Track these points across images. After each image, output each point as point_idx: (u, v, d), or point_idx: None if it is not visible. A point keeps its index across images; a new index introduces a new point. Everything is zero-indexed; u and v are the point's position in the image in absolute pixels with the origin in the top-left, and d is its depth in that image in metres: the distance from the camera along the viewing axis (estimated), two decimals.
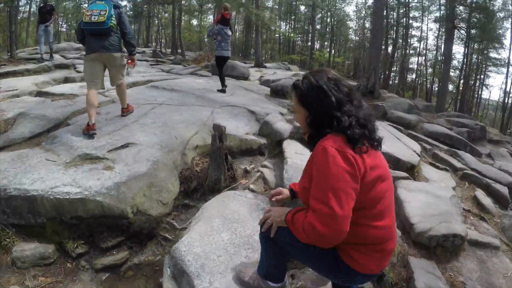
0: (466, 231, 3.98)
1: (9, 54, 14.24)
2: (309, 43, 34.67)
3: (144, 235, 3.81)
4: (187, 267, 2.78)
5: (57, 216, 3.60)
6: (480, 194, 5.57)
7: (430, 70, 35.23)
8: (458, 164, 6.70)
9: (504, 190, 5.84)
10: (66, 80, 10.35)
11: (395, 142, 6.25)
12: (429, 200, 4.48)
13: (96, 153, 4.48)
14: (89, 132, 4.87)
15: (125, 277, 3.43)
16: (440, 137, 8.48)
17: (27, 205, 3.59)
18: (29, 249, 3.43)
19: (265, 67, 20.23)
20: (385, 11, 15.49)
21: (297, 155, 4.99)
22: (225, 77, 9.42)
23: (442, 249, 3.82)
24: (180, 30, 23.98)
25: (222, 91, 9.01)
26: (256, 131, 6.20)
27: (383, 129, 7.04)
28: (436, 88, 31.47)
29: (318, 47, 38.23)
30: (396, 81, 34.39)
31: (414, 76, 36.66)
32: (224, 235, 3.25)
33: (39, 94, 7.92)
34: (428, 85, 34.73)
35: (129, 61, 5.43)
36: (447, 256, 3.81)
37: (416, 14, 32.37)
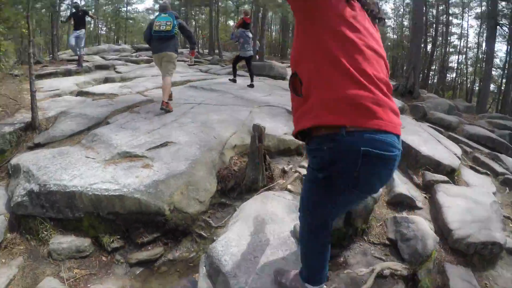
0: (505, 239, 3.79)
1: (51, 56, 15.04)
2: None
3: (179, 232, 3.87)
4: (223, 266, 2.77)
5: (95, 211, 3.74)
6: None
7: (470, 69, 33.92)
8: (499, 169, 6.45)
9: None
10: (106, 80, 10.58)
11: (435, 144, 6.12)
12: (469, 205, 4.31)
13: (135, 151, 4.59)
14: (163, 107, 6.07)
15: (159, 273, 3.48)
16: (482, 140, 8.21)
17: (65, 200, 3.74)
18: (66, 242, 3.58)
19: None
20: (424, 8, 15.08)
21: None
22: (264, 77, 10.61)
23: (479, 256, 3.67)
24: (217, 31, 24.34)
25: (233, 81, 10.01)
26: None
27: (423, 130, 6.93)
28: (477, 88, 30.41)
29: None
30: (435, 80, 33.32)
31: (454, 75, 35.45)
32: (261, 235, 3.22)
33: (80, 93, 8.17)
34: (469, 85, 33.46)
35: (191, 53, 7.19)
36: (483, 264, 3.67)
37: (456, 10, 31.31)
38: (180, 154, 4.56)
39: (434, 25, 29.59)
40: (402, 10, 36.63)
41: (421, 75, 25.76)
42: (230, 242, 3.08)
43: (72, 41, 11.43)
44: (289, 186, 4.59)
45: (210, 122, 5.73)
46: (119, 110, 6.35)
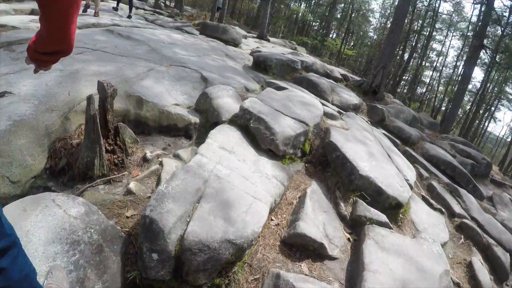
0: None
1: None
2: (325, 30, 32.61)
3: None
4: None
5: None
6: (477, 262, 4.09)
7: (441, 88, 33.46)
8: (456, 208, 5.18)
9: (506, 258, 4.61)
10: (32, 12, 9.10)
11: (383, 161, 4.46)
12: (408, 274, 2.79)
13: None
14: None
15: None
16: (441, 164, 6.93)
17: None
18: None
19: (268, 40, 18.03)
20: (410, 13, 13.64)
21: (218, 152, 3.25)
22: (214, 39, 10.95)
23: None
24: None
25: (115, 9, 11.39)
26: (193, 104, 4.62)
27: (373, 138, 5.27)
28: (444, 108, 29.90)
29: (334, 36, 36.20)
30: (405, 91, 32.56)
31: (424, 90, 34.82)
32: None
33: None
34: (436, 103, 32.94)
35: None
36: None
37: (443, 27, 30.35)
38: (8, 110, 3.39)
39: (416, 35, 28.43)
40: (389, 11, 35.20)
41: (391, 82, 24.72)
42: None
43: None
44: (132, 185, 2.94)
45: (83, 73, 4.45)
46: None
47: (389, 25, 33.83)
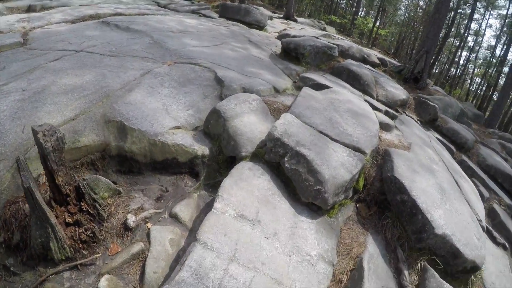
0: None
1: None
2: (354, 8, 30.68)
3: None
4: None
5: None
6: None
7: (476, 70, 31.24)
8: None
9: None
10: (29, 8, 8.24)
11: (456, 197, 3.32)
12: None
13: None
14: None
15: None
16: (499, 176, 5.82)
17: None
18: None
19: (296, 21, 16.67)
20: None
21: (233, 232, 2.11)
22: (235, 22, 9.20)
23: None
24: None
25: None
26: (203, 122, 3.38)
27: (438, 159, 4.09)
28: (482, 92, 27.90)
29: (362, 14, 34.17)
30: (436, 71, 30.57)
31: (457, 71, 32.68)
32: None
33: None
34: (472, 87, 30.87)
35: None
36: None
37: (479, 6, 28.02)
38: None
39: (452, 12, 26.34)
40: None
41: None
42: None
43: None
44: (104, 283, 1.97)
45: (51, 92, 3.32)
46: None
47: (421, 2, 31.85)
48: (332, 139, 3.14)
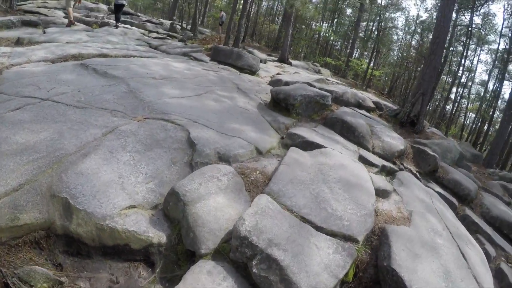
0: None
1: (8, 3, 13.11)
2: (349, 50, 31.07)
3: None
4: None
5: None
6: None
7: (470, 105, 31.50)
8: None
9: None
10: (17, 41, 8.18)
11: (463, 277, 2.89)
12: None
13: None
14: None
15: None
16: (505, 228, 5.68)
17: None
18: None
19: (290, 64, 16.66)
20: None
21: None
22: (227, 66, 9.91)
23: None
24: (197, 5, 19.87)
25: (116, 26, 13.03)
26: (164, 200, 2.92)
27: (442, 228, 3.56)
28: (474, 126, 28.04)
29: (357, 55, 34.66)
30: (429, 108, 30.73)
31: (450, 107, 32.80)
32: None
33: None
34: (466, 122, 31.00)
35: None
36: None
37: (471, 42, 28.49)
38: None
39: (444, 51, 26.64)
40: (413, 27, 33.40)
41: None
42: None
43: None
44: None
45: (1, 150, 2.94)
46: None
47: (413, 42, 32.31)
48: (317, 227, 2.71)
